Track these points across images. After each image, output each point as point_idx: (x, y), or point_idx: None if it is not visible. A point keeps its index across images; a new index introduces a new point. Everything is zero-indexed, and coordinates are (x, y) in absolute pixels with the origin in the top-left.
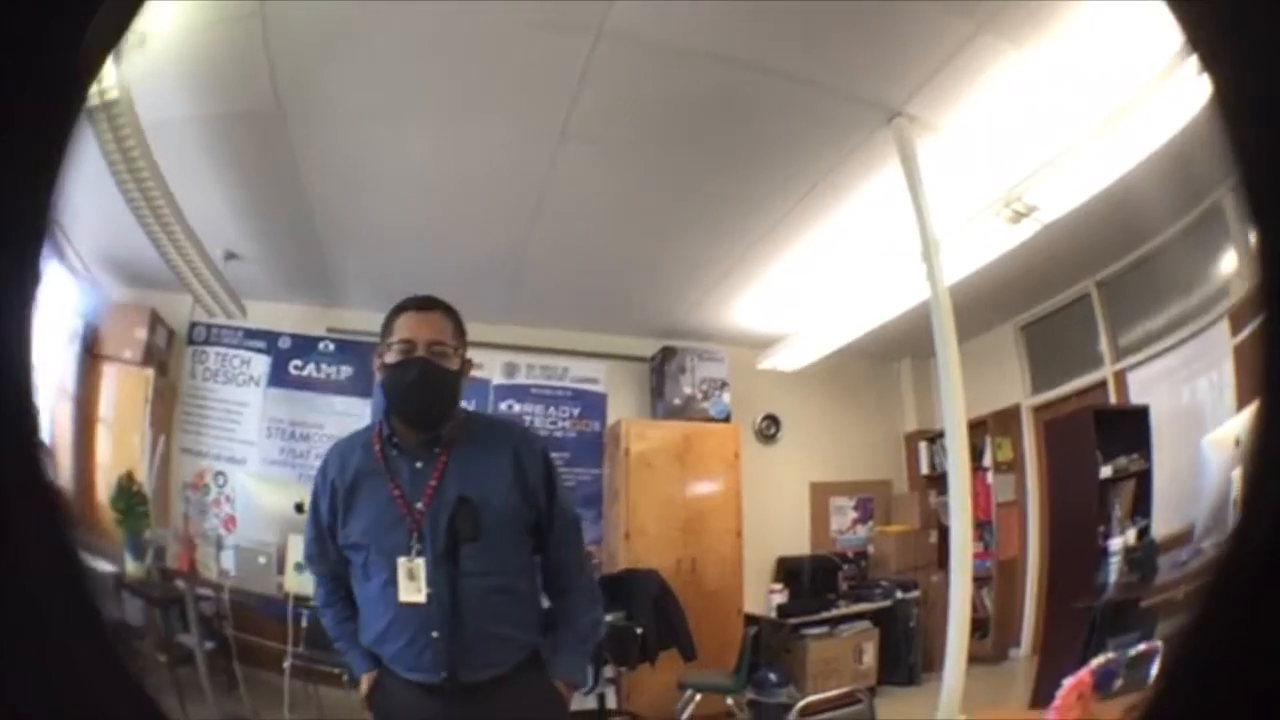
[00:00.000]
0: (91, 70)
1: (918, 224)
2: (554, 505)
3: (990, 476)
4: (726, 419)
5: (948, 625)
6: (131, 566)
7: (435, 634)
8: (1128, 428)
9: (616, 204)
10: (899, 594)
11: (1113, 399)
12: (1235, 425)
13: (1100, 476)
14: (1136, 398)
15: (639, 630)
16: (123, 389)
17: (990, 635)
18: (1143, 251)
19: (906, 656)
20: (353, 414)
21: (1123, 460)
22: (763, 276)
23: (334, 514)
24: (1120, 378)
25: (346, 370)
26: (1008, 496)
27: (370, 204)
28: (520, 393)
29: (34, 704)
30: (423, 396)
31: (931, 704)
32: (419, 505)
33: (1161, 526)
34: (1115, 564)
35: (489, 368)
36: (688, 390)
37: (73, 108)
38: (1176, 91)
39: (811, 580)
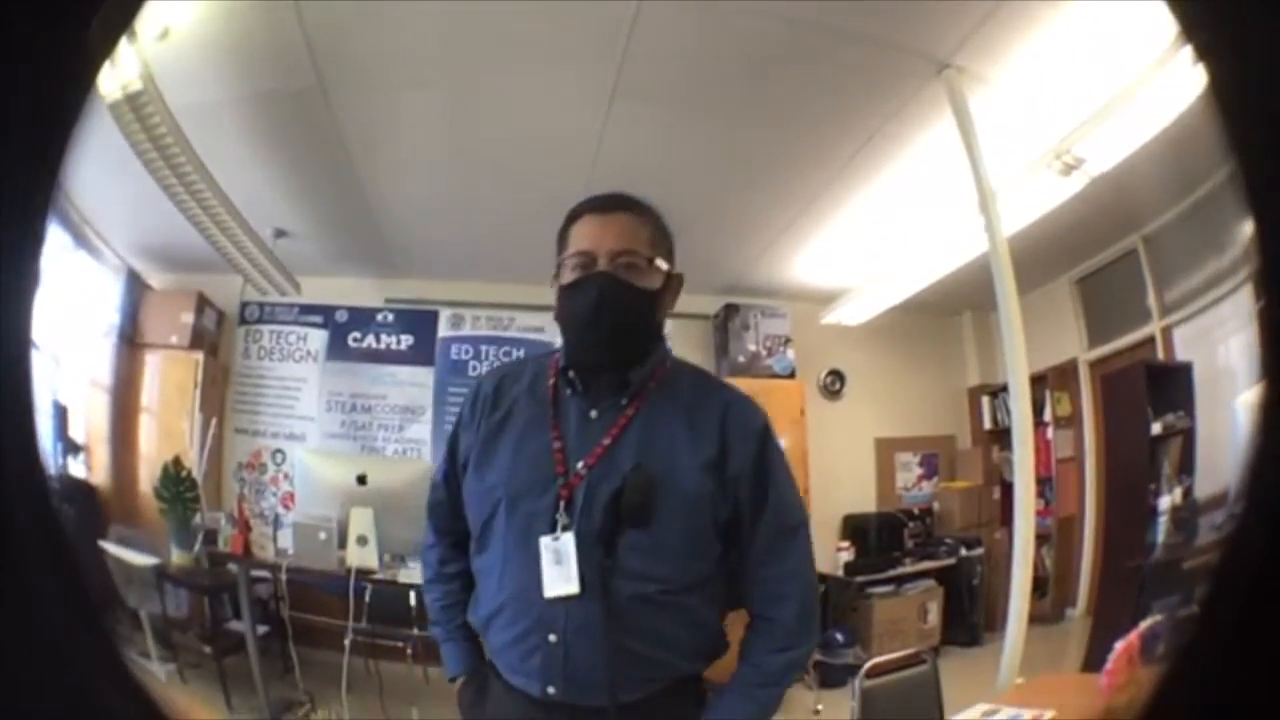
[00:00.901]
0: (96, 61)
1: (973, 176)
2: (764, 501)
3: (1050, 432)
4: (791, 375)
5: (1010, 585)
6: (177, 556)
7: (553, 637)
8: (1175, 384)
9: (671, 162)
10: (963, 551)
11: (1160, 355)
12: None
13: (1151, 433)
14: (1181, 355)
15: None
16: (169, 375)
17: (1049, 594)
18: (1183, 206)
19: (970, 616)
20: (417, 383)
21: (1170, 417)
22: (822, 232)
23: (472, 454)
24: (1167, 334)
25: (407, 339)
26: (1067, 453)
27: (421, 172)
28: None
29: (34, 704)
30: (606, 324)
31: (992, 665)
32: (579, 465)
33: (1203, 487)
34: (1164, 523)
35: (551, 330)
36: (752, 347)
37: (75, 101)
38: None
39: (878, 538)
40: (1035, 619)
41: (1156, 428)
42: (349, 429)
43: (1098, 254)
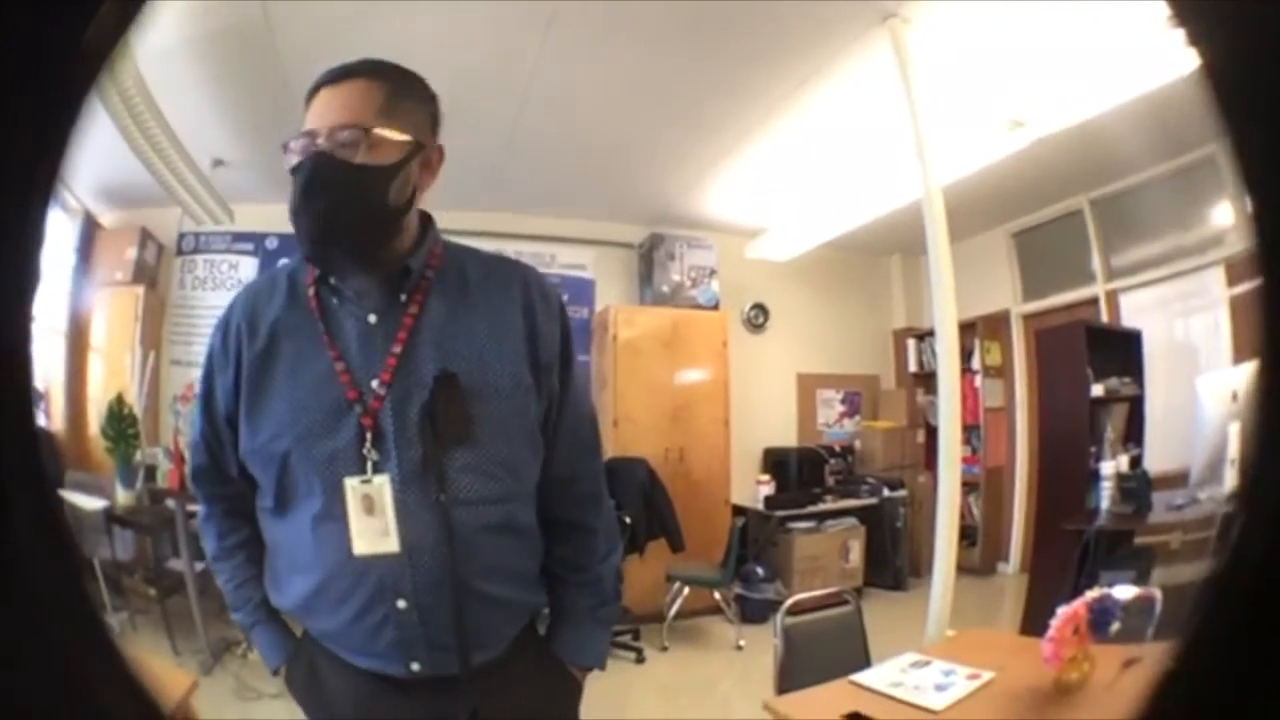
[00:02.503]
0: (101, 52)
1: (911, 124)
2: (567, 390)
3: (979, 380)
4: (715, 307)
5: (935, 530)
6: (122, 496)
7: (402, 603)
8: (1119, 349)
9: (603, 91)
10: (886, 492)
11: (1104, 318)
12: (1232, 377)
13: (1091, 395)
14: (1128, 321)
15: (627, 520)
16: (114, 312)
17: (978, 545)
18: (1139, 179)
19: (893, 559)
20: None
21: (1114, 381)
22: (753, 167)
23: (235, 399)
24: (1112, 298)
25: None
26: (996, 402)
27: None
28: None
29: (34, 704)
30: (317, 208)
31: (918, 612)
32: (374, 384)
33: (1155, 461)
34: (1107, 490)
35: None
36: (676, 277)
37: (78, 91)
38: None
39: (799, 472)
40: (964, 569)
41: (1098, 390)
42: None
43: (1039, 210)
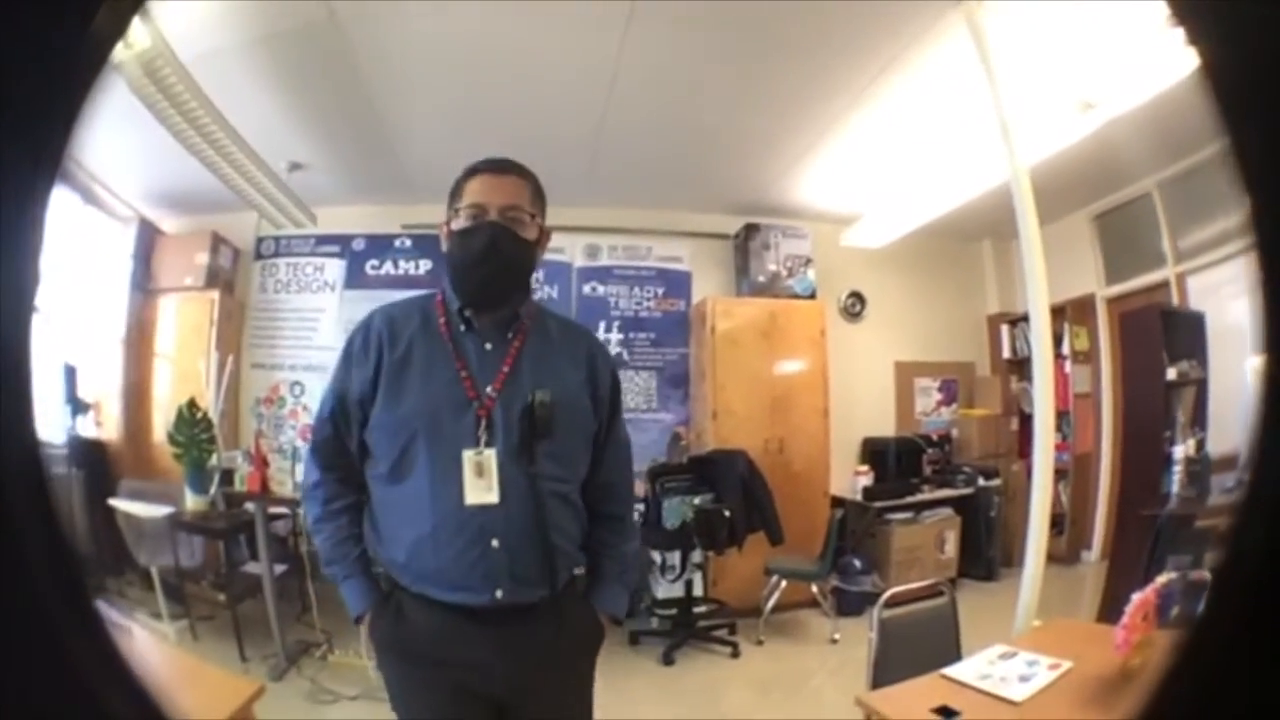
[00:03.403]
0: (107, 39)
1: (993, 106)
2: (615, 421)
3: (1068, 366)
4: (812, 296)
5: (1028, 520)
6: (192, 502)
7: (496, 542)
8: (1189, 332)
9: (690, 81)
10: (981, 481)
11: (1175, 301)
12: None
13: (1166, 379)
14: (1195, 304)
15: (727, 513)
16: (184, 317)
17: (1065, 533)
18: (1200, 158)
19: (986, 549)
20: None
21: (1185, 365)
22: (843, 154)
23: (373, 389)
24: (1181, 280)
25: (426, 264)
26: (1083, 388)
27: (437, 97)
28: (603, 274)
29: (33, 704)
30: (493, 265)
31: (1007, 602)
32: (489, 390)
33: (1216, 444)
34: (1178, 474)
35: (570, 250)
36: (772, 267)
37: (85, 80)
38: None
39: (897, 462)
40: (1051, 558)
41: (1171, 373)
42: None
43: (1117, 191)
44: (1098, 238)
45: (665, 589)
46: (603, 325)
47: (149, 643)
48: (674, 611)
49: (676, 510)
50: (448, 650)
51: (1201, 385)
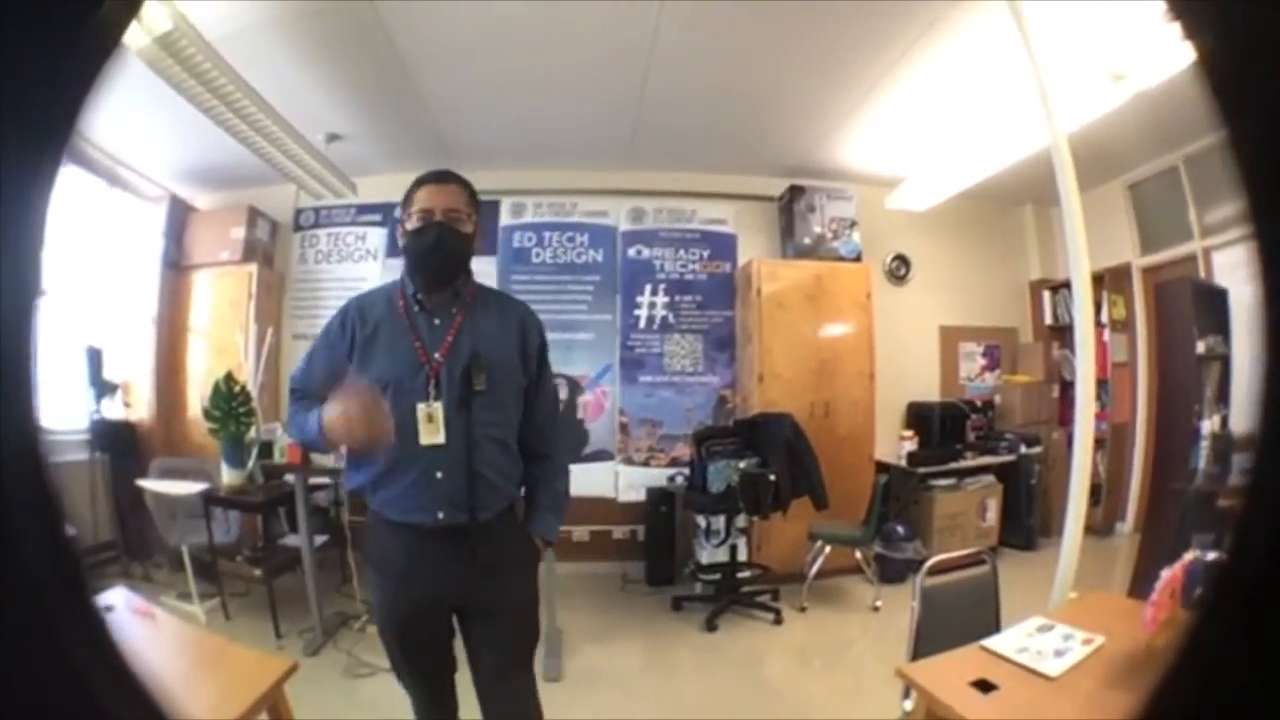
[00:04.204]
0: (114, 26)
1: (1032, 72)
2: (543, 374)
3: (1107, 334)
4: (857, 258)
5: (1068, 489)
6: (229, 476)
7: (440, 474)
8: (1215, 307)
9: (731, 42)
10: (1023, 449)
11: (1203, 275)
12: None
13: (1197, 352)
14: (1219, 279)
15: (772, 477)
16: (221, 291)
17: (1102, 503)
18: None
19: (1026, 518)
20: (481, 273)
21: (1212, 340)
22: (887, 115)
23: (348, 359)
24: (1207, 255)
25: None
26: (1121, 357)
27: (475, 64)
28: (649, 237)
29: (34, 704)
30: (440, 255)
31: (1045, 573)
32: (437, 356)
33: (1237, 422)
34: (1205, 449)
35: (615, 214)
36: (817, 229)
37: (93, 63)
38: None
39: (941, 428)
40: (1087, 529)
41: (1200, 347)
42: None
43: (1150, 162)
44: (1132, 207)
45: (709, 554)
46: (648, 288)
47: (174, 626)
48: (717, 577)
49: (721, 474)
50: (408, 564)
51: (1225, 361)
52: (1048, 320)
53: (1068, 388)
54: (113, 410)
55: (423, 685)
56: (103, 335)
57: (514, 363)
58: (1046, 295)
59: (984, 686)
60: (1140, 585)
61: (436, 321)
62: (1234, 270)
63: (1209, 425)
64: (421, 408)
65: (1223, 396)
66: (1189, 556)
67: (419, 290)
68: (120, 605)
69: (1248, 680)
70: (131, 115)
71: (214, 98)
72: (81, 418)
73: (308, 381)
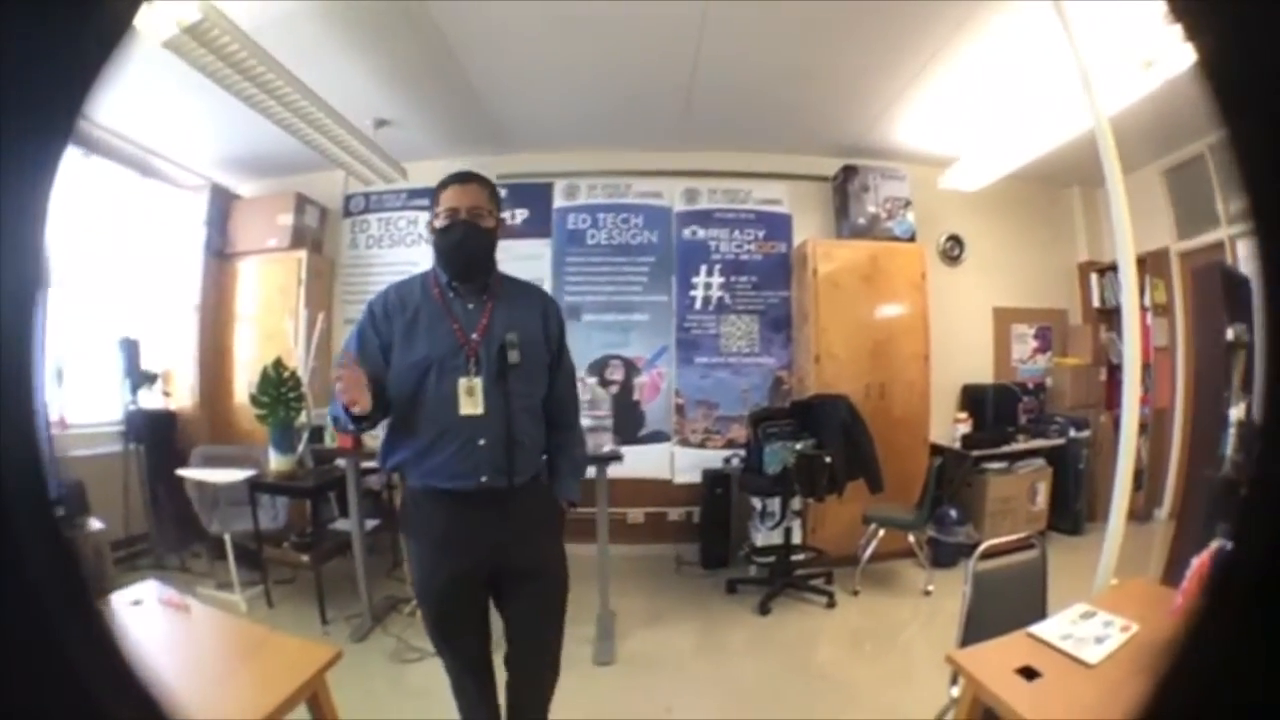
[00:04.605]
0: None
1: (1073, 54)
2: (563, 352)
3: (1149, 318)
4: (911, 238)
5: (1113, 473)
6: (276, 462)
7: (482, 441)
8: (1242, 295)
9: (780, 21)
10: (1072, 432)
11: (1230, 262)
12: None
13: (1228, 337)
14: (1244, 268)
15: (828, 459)
16: (269, 278)
17: (1143, 488)
18: None
19: (1074, 502)
20: (536, 256)
21: (1240, 327)
22: (938, 95)
23: (393, 342)
24: (1233, 243)
25: (522, 213)
26: (1162, 341)
27: (525, 49)
28: (703, 218)
29: (33, 704)
30: (465, 250)
31: (1090, 560)
32: (474, 336)
33: (1258, 411)
34: (1232, 436)
35: (669, 195)
36: (872, 209)
37: (101, 47)
38: None
39: (994, 411)
40: (1130, 514)
41: (1230, 334)
42: None
43: (1184, 147)
44: (1168, 192)
45: (764, 536)
46: (704, 269)
47: (209, 618)
48: (772, 559)
49: (778, 455)
50: (448, 529)
51: (1249, 350)
52: (1095, 303)
53: (1114, 371)
54: (151, 400)
55: (461, 658)
56: (141, 326)
57: (539, 341)
58: (1094, 278)
59: (1028, 674)
60: (1173, 572)
61: (470, 306)
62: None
63: (1235, 413)
64: (463, 382)
65: (1246, 385)
66: (1215, 545)
67: (452, 280)
68: (149, 598)
69: (1249, 679)
70: (167, 106)
71: (253, 86)
72: (116, 409)
73: (368, 356)
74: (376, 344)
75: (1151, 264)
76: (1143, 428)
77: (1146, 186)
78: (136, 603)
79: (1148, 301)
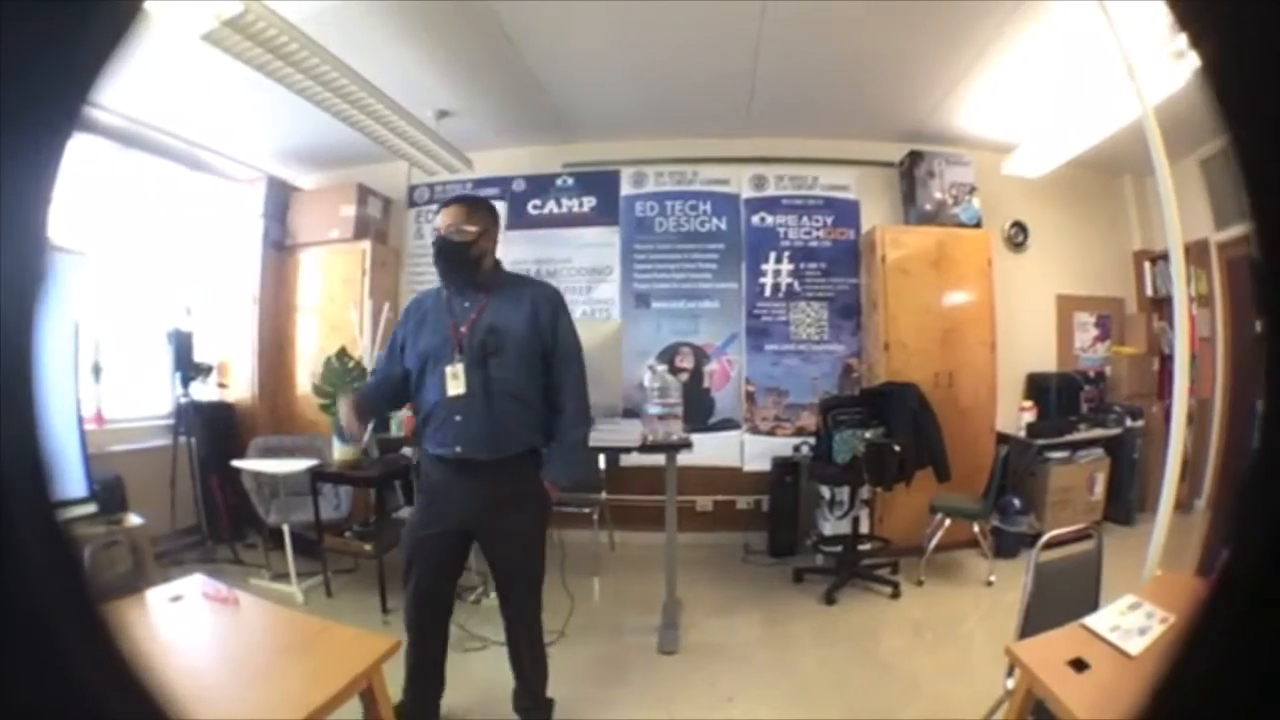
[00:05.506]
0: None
1: (1117, 43)
2: (557, 339)
3: (1195, 308)
4: (977, 225)
5: (1162, 463)
6: (340, 452)
7: (458, 418)
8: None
9: (840, 6)
10: (1129, 421)
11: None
12: None
13: (1256, 330)
14: None
15: (897, 448)
16: (332, 269)
17: (1187, 480)
18: None
19: (1127, 492)
20: (604, 243)
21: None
22: (998, 79)
23: (408, 338)
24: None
25: (589, 201)
26: (1205, 332)
27: (587, 37)
28: (771, 204)
29: (34, 704)
30: (442, 259)
31: (1136, 548)
32: (463, 329)
33: (1260, 415)
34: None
35: (736, 182)
36: (938, 195)
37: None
38: None
39: (1058, 399)
40: (1176, 505)
41: (1259, 326)
42: None
43: (1215, 140)
44: (1205, 182)
45: (832, 525)
46: (772, 256)
47: (260, 610)
48: (839, 549)
49: (847, 443)
50: (438, 488)
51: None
52: (1148, 292)
53: (1165, 361)
54: (205, 392)
55: (419, 591)
56: (193, 319)
57: (523, 332)
58: (1147, 266)
59: (1078, 665)
60: (1206, 563)
61: (466, 305)
62: None
63: (1261, 405)
64: (449, 368)
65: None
66: None
67: (442, 283)
68: (192, 593)
69: (1248, 680)
70: (216, 100)
71: (307, 78)
72: (165, 403)
73: (386, 367)
74: (400, 344)
75: (1194, 254)
76: (1190, 419)
77: (1188, 176)
78: (176, 599)
79: (1192, 292)
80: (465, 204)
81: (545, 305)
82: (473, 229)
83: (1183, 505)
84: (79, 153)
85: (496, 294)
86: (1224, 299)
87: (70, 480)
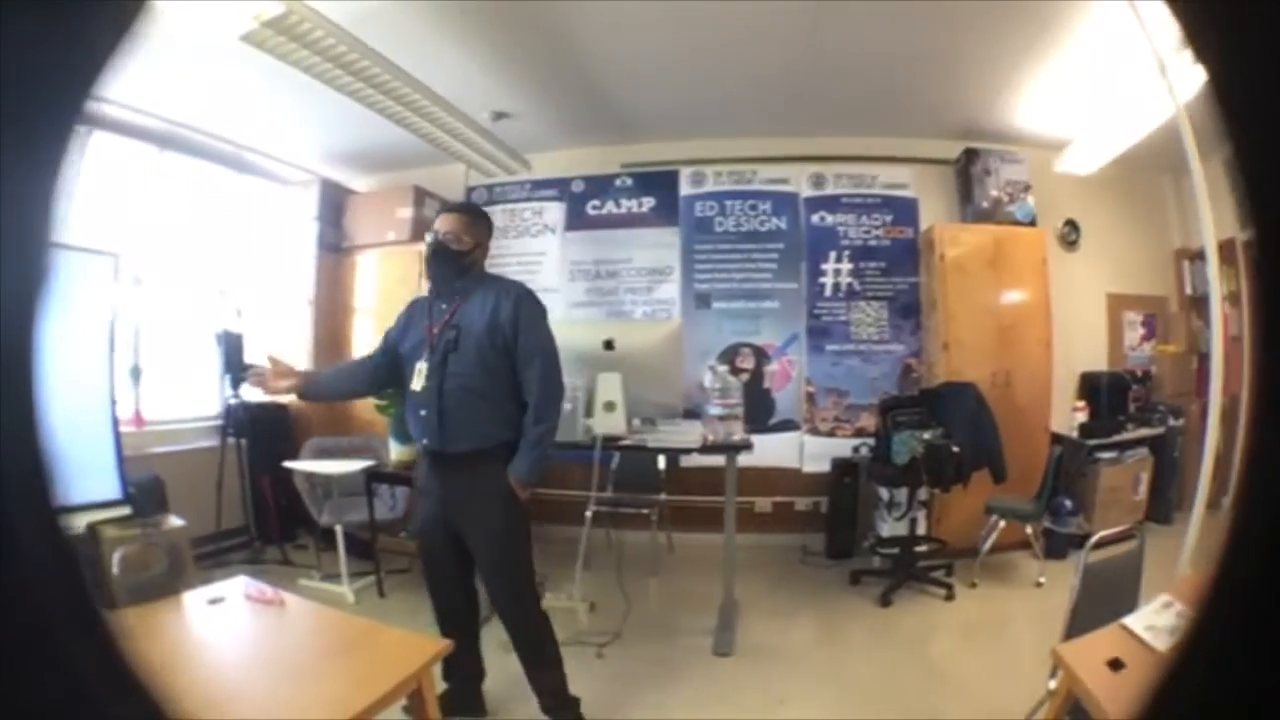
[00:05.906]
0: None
1: (1147, 40)
2: (519, 335)
3: (1227, 306)
4: (1032, 223)
5: (1198, 462)
6: (397, 452)
7: (424, 411)
8: None
9: (892, 11)
10: (1171, 420)
11: None
12: None
13: None
14: None
15: (955, 449)
16: (388, 271)
17: (1217, 477)
18: None
19: (1167, 490)
20: (664, 243)
21: None
22: (1048, 76)
23: (398, 337)
24: None
25: (649, 201)
26: (1236, 331)
27: (644, 37)
28: (831, 203)
29: (34, 704)
30: (433, 264)
31: (1171, 547)
32: (434, 330)
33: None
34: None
35: (796, 181)
36: (994, 193)
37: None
38: None
39: (1108, 399)
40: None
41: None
42: (594, 295)
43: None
44: (1230, 181)
45: (890, 527)
46: (833, 255)
47: (307, 611)
48: (896, 551)
49: (906, 444)
50: (422, 480)
51: None
52: (1187, 290)
53: (1203, 360)
54: (255, 393)
55: (434, 572)
56: (245, 321)
57: (481, 329)
58: (1185, 264)
59: (1115, 665)
60: None
61: (444, 307)
62: None
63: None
64: (418, 365)
65: None
66: None
67: (430, 286)
68: (234, 594)
69: (1247, 679)
70: (263, 102)
71: (356, 80)
72: (213, 404)
73: (384, 353)
74: (391, 340)
75: (1223, 254)
76: (1223, 416)
77: (1216, 176)
78: (215, 600)
79: (1223, 291)
80: (468, 215)
81: (506, 301)
82: (470, 241)
83: (1214, 503)
84: (109, 154)
85: (471, 295)
86: (1248, 295)
87: (103, 482)
